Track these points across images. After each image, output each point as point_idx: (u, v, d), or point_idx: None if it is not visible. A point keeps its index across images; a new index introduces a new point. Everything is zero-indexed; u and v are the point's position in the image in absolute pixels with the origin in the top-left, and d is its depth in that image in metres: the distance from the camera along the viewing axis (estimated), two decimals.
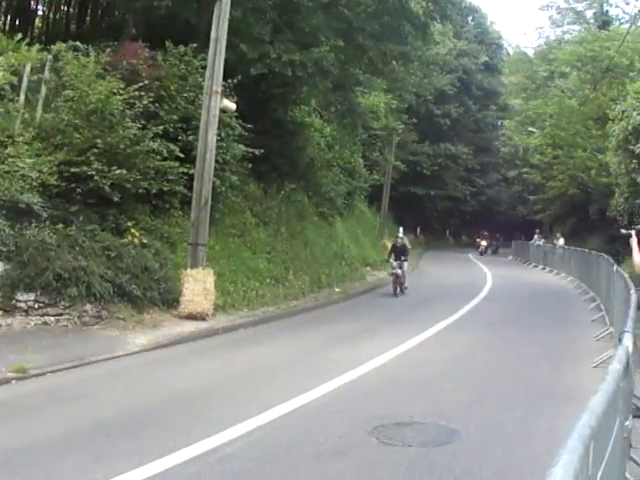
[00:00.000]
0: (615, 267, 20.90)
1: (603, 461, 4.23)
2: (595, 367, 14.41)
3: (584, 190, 53.83)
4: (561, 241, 49.80)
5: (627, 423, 6.79)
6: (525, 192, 72.16)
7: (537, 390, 13.01)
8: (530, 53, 72.82)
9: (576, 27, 65.76)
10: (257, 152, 24.61)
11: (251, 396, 11.75)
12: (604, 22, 58.77)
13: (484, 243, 67.60)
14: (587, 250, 36.14)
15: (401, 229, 50.90)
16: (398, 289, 29.30)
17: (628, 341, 6.73)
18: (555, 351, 17.33)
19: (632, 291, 12.40)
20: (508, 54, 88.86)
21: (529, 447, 9.23)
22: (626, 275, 16.57)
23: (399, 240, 31.64)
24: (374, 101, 46.03)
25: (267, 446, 9.19)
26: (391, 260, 29.94)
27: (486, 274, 41.81)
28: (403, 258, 29.65)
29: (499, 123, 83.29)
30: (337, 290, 28.88)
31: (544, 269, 48.04)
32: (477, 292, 30.80)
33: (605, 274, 24.07)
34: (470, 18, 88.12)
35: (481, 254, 64.04)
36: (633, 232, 11.71)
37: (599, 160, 45.10)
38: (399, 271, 29.23)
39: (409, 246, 33.94)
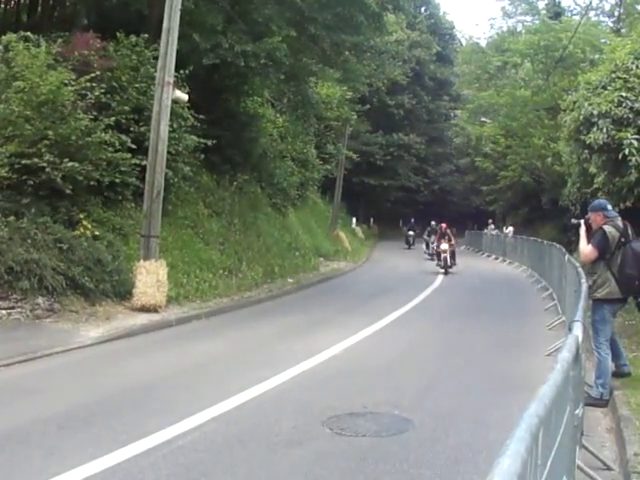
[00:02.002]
0: (567, 257, 21.09)
1: (553, 449, 4.28)
2: (548, 355, 14.54)
3: (536, 180, 54.24)
4: (509, 230, 50.24)
5: (577, 411, 6.87)
6: (478, 183, 72.58)
7: (490, 379, 13.11)
8: (483, 44, 73.20)
9: (528, 18, 66.19)
10: (209, 143, 24.61)
11: (205, 388, 11.74)
12: (556, 13, 59.14)
13: (445, 247, 37.56)
14: (539, 239, 36.48)
15: (354, 220, 51.13)
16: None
17: (578, 330, 6.80)
18: (508, 340, 17.46)
19: (583, 280, 12.53)
20: (461, 44, 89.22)
21: (482, 436, 9.30)
22: (577, 264, 16.73)
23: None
24: (329, 92, 46.16)
25: (221, 438, 9.19)
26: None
27: None
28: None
29: (452, 114, 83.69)
30: (290, 281, 28.92)
31: (497, 259, 48.49)
32: (430, 282, 31.02)
33: (557, 263, 24.28)
34: (423, 9, 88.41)
35: (445, 270, 36.61)
36: (582, 221, 11.88)
37: (552, 149, 45.48)
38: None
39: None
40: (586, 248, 11.35)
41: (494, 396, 11.69)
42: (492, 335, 18.05)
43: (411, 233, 61.04)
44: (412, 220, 63.82)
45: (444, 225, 40.23)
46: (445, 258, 37.16)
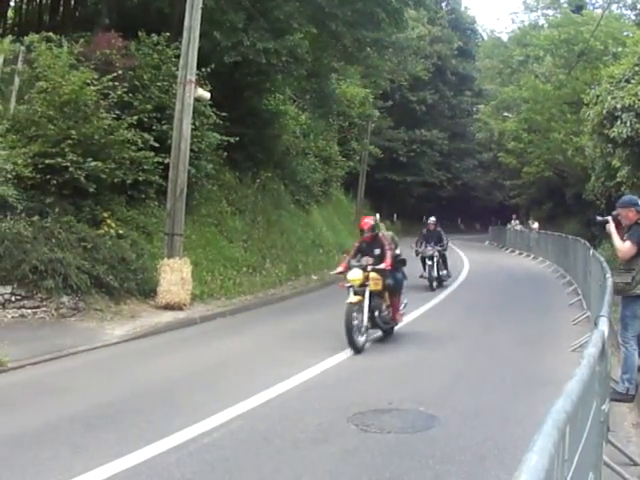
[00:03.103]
0: (591, 251, 20.99)
1: (580, 445, 4.26)
2: (573, 351, 14.47)
3: (560, 174, 54.02)
4: (535, 225, 50.02)
5: (604, 407, 6.84)
6: (501, 178, 72.35)
7: (515, 374, 13.06)
8: (504, 38, 72.91)
9: (550, 11, 65.84)
10: (232, 140, 24.67)
11: (229, 385, 11.76)
12: (578, 7, 58.79)
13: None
14: (564, 234, 36.32)
15: (377, 216, 50.74)
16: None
17: (604, 325, 6.77)
18: (533, 335, 17.38)
19: (608, 275, 12.43)
20: (482, 39, 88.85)
21: (508, 431, 9.28)
22: (602, 259, 16.64)
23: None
24: (353, 91, 46.17)
25: (246, 435, 9.20)
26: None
27: (463, 260, 41.86)
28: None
29: (474, 109, 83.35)
30: (314, 278, 28.87)
31: (521, 254, 48.22)
32: (455, 277, 30.84)
33: (582, 258, 24.16)
34: (444, 3, 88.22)
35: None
36: (610, 218, 11.73)
37: (574, 143, 45.28)
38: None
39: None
40: (624, 245, 11.11)
41: (519, 392, 11.65)
42: (517, 330, 17.97)
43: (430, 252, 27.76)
44: (431, 221, 29.83)
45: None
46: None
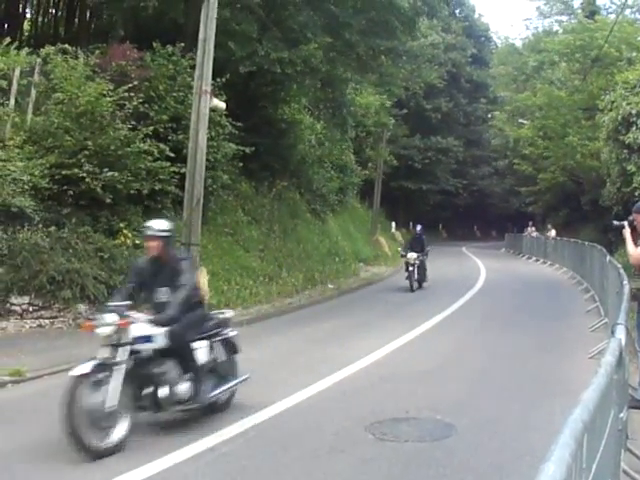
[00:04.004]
0: (608, 258, 20.93)
1: (598, 454, 4.26)
2: (591, 358, 14.41)
3: (575, 180, 53.90)
4: (552, 233, 49.87)
5: (622, 415, 6.82)
6: (517, 184, 72.19)
7: (533, 382, 13.04)
8: (518, 45, 72.85)
9: (564, 18, 65.82)
10: (248, 150, 24.70)
11: (246, 395, 11.75)
12: (591, 12, 58.70)
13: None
14: (580, 241, 36.21)
15: (393, 224, 50.59)
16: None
17: (621, 333, 6.76)
18: (550, 342, 17.35)
19: (625, 282, 12.42)
20: (496, 46, 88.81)
21: (526, 440, 9.26)
22: (619, 266, 16.59)
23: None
24: (368, 101, 46.22)
25: (263, 444, 9.22)
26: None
27: (480, 267, 41.83)
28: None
29: (489, 116, 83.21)
30: (331, 287, 28.86)
31: (537, 261, 48.10)
32: (472, 285, 30.85)
33: (598, 265, 24.10)
34: (458, 11, 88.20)
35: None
36: (626, 223, 11.71)
37: (589, 147, 45.23)
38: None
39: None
40: (636, 250, 11.11)
41: (537, 399, 11.63)
42: (534, 338, 17.94)
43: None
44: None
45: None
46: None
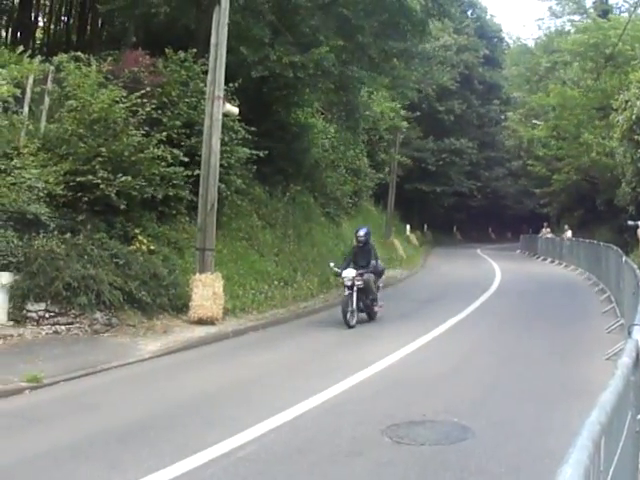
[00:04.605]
0: (624, 258, 20.87)
1: (615, 456, 4.25)
2: (607, 359, 14.38)
3: (590, 181, 53.76)
4: (568, 233, 49.71)
5: (639, 417, 6.79)
6: (531, 185, 72.00)
7: (549, 384, 13.02)
8: (530, 45, 72.73)
9: (576, 17, 65.71)
10: (261, 154, 24.67)
11: (263, 399, 11.77)
12: (604, 11, 58.63)
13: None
14: (596, 241, 36.12)
15: (408, 227, 50.46)
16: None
17: (638, 334, 6.72)
18: (566, 344, 17.32)
19: None
20: (509, 47, 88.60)
21: (542, 442, 9.24)
22: (635, 266, 16.54)
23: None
24: (383, 108, 46.25)
25: (280, 449, 9.22)
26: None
27: (495, 269, 41.76)
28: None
29: (502, 117, 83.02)
30: None
31: (553, 262, 47.97)
32: (487, 287, 30.79)
33: (614, 266, 24.03)
34: (470, 12, 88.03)
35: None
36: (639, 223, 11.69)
37: (604, 145, 45.09)
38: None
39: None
40: None
41: (553, 401, 11.61)
42: (550, 339, 17.91)
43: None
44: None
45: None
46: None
